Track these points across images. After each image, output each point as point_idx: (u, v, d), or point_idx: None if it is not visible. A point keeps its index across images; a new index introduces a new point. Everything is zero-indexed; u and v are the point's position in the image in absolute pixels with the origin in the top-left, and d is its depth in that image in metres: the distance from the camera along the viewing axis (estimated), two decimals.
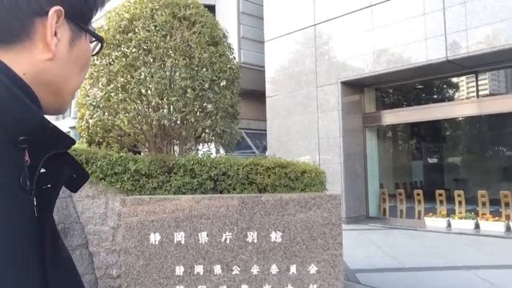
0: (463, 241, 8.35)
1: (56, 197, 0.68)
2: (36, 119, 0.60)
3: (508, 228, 9.04)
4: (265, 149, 14.13)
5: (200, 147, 6.28)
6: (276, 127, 12.63)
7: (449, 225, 9.91)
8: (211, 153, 5.08)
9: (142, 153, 6.52)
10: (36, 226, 0.60)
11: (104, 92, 4.98)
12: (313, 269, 3.93)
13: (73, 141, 0.74)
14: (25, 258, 0.56)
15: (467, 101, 10.82)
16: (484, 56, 8.90)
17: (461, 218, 9.80)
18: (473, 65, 9.69)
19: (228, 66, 5.39)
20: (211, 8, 13.79)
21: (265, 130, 13.21)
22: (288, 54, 12.56)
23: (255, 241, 3.93)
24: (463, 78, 11.20)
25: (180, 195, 4.37)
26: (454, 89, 12.13)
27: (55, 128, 0.67)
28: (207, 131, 5.38)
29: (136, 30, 5.08)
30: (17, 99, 0.59)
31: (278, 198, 4.01)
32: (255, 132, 14.80)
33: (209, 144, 6.06)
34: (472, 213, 9.87)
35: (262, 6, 13.80)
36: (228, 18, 14.48)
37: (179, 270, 3.90)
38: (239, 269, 3.90)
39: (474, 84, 10.81)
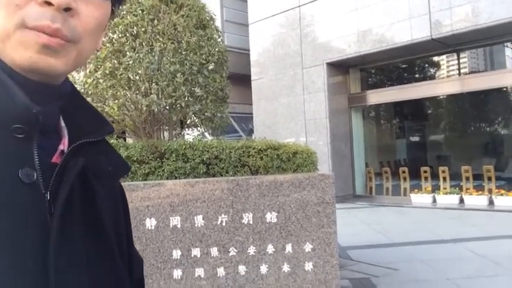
0: (448, 215, 8.58)
1: (82, 192, 0.62)
2: (19, 104, 0.55)
3: (490, 202, 9.32)
4: (251, 132, 14.16)
5: (189, 131, 6.28)
6: (262, 110, 12.65)
7: (434, 200, 10.16)
8: (204, 138, 5.09)
9: (129, 140, 6.49)
10: (45, 222, 0.56)
11: (92, 79, 4.93)
12: (308, 247, 4.02)
13: (110, 129, 0.71)
14: (13, 254, 0.52)
15: (449, 79, 11.00)
16: (467, 33, 9.03)
17: (446, 194, 10.05)
18: (456, 43, 9.82)
19: (217, 49, 5.37)
20: None
21: (251, 113, 13.22)
22: (272, 37, 12.51)
23: (251, 222, 3.99)
24: (445, 57, 11.35)
25: (174, 180, 4.38)
26: (437, 68, 12.29)
27: (55, 114, 0.62)
28: (197, 115, 5.38)
29: (122, 14, 5.00)
30: (1, 85, 0.56)
31: (272, 179, 4.06)
32: (241, 115, 14.78)
33: (198, 128, 6.05)
34: (457, 188, 10.13)
35: None
36: (211, 1, 14.28)
37: (176, 253, 3.94)
38: (236, 250, 3.97)
39: (456, 62, 10.97)
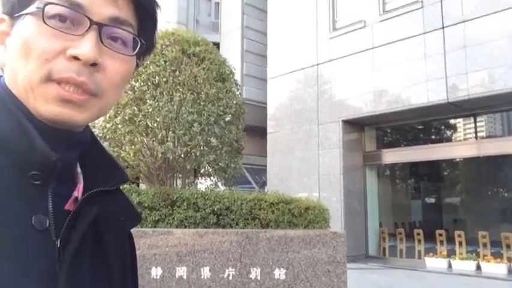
0: (464, 282, 8.23)
1: (95, 240, 0.63)
2: (38, 152, 0.56)
3: (510, 271, 8.94)
4: (264, 184, 14.11)
5: (202, 180, 6.30)
6: (276, 163, 12.67)
7: (450, 265, 9.79)
8: (216, 187, 5.10)
9: (142, 185, 6.52)
10: (53, 269, 0.55)
11: (111, 124, 5.05)
12: None
13: (124, 178, 0.71)
14: None
15: (465, 143, 10.94)
16: (483, 99, 9.08)
17: (462, 259, 9.69)
18: (472, 107, 9.86)
19: (234, 101, 5.51)
20: (216, 46, 14.11)
21: (265, 166, 13.25)
22: (289, 92, 12.77)
23: (258, 278, 3.89)
24: (461, 119, 11.37)
25: (183, 229, 4.35)
26: (453, 130, 12.28)
27: (68, 163, 0.62)
28: (211, 164, 5.42)
29: (146, 64, 5.20)
30: (21, 130, 0.57)
31: (282, 234, 4.00)
32: (255, 167, 14.82)
33: (212, 178, 6.07)
34: (473, 254, 9.78)
35: (266, 45, 14.15)
36: (232, 56, 14.80)
37: None
38: None
39: (473, 125, 10.96)
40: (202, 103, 5.25)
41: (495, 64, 8.74)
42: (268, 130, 13.12)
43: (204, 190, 4.91)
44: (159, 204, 4.82)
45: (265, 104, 13.64)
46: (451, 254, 10.18)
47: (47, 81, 0.57)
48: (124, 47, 0.63)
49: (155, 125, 5.02)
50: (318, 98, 11.96)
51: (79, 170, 0.67)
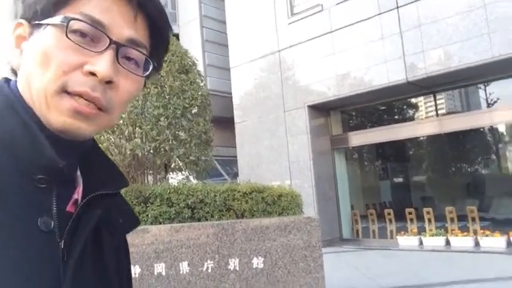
0: (435, 258, 8.51)
1: (95, 242, 0.65)
2: (46, 157, 0.58)
3: (476, 243, 9.30)
4: (236, 175, 14.10)
5: (173, 175, 6.21)
6: (246, 153, 12.66)
7: (421, 242, 10.10)
8: (188, 181, 5.03)
9: None
10: (58, 270, 0.58)
11: None
12: None
13: (124, 183, 0.73)
14: None
15: (427, 120, 11.25)
16: (440, 76, 9.33)
17: (432, 235, 10.01)
18: (431, 85, 10.13)
19: (200, 93, 5.43)
20: (176, 37, 13.89)
21: (235, 156, 13.21)
22: (253, 80, 12.74)
23: (237, 268, 3.88)
24: (422, 98, 11.67)
25: (158, 225, 4.27)
26: (415, 109, 12.61)
27: (74, 168, 0.66)
28: (181, 158, 5.34)
29: None
30: (30, 135, 0.59)
31: (258, 223, 4.00)
32: (225, 158, 14.76)
33: (183, 172, 5.99)
34: (442, 229, 10.11)
35: (226, 34, 14.03)
36: (192, 47, 14.59)
37: None
38: None
39: (433, 103, 11.28)
40: (167, 96, 5.14)
41: (449, 41, 8.99)
42: (236, 120, 13.07)
43: (176, 185, 4.83)
44: (132, 202, 4.71)
45: (231, 93, 13.57)
46: (421, 231, 10.50)
47: (61, 93, 0.59)
48: (136, 67, 0.65)
49: (121, 121, 4.88)
50: (282, 85, 11.98)
51: (78, 173, 0.69)
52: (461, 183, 13.69)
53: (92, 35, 0.60)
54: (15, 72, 0.67)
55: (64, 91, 0.59)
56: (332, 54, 10.92)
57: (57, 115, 0.59)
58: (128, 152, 4.83)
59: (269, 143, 12.07)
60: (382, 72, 9.98)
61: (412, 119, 12.09)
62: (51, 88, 0.59)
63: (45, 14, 0.61)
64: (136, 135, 4.85)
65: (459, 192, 13.20)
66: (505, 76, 9.46)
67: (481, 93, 10.95)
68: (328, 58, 10.99)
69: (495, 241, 8.95)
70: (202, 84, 5.75)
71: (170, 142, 5.11)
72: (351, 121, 12.94)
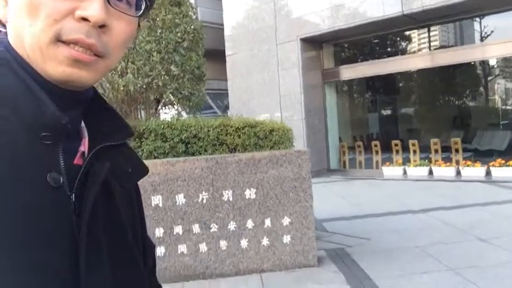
0: (418, 187, 8.95)
1: (104, 194, 0.64)
2: (49, 114, 0.58)
3: (458, 172, 9.74)
4: (226, 108, 14.18)
5: (165, 110, 6.30)
6: (237, 86, 12.66)
7: (405, 172, 10.54)
8: (180, 116, 5.14)
9: None
10: (71, 224, 0.58)
11: None
12: (286, 221, 4.19)
13: (130, 133, 0.73)
14: (43, 254, 0.54)
15: (420, 54, 11.24)
16: (437, 9, 9.20)
17: (416, 166, 10.42)
18: (427, 19, 10.01)
19: (192, 27, 5.37)
20: None
21: (226, 90, 13.21)
22: (246, 11, 12.42)
23: (231, 199, 4.12)
24: (416, 31, 11.57)
25: (155, 159, 4.44)
26: (408, 43, 12.53)
27: (77, 121, 0.64)
28: (174, 94, 5.41)
29: None
30: (30, 92, 0.58)
31: (250, 157, 4.19)
32: (216, 92, 14.75)
33: (175, 107, 6.08)
34: (426, 160, 10.52)
35: None
36: None
37: (159, 232, 4.05)
38: (217, 227, 4.11)
39: (427, 37, 11.21)
40: (159, 30, 5.10)
41: None
42: (227, 52, 12.89)
43: (170, 120, 4.95)
44: None
45: (222, 25, 13.26)
46: (406, 162, 10.90)
47: (56, 42, 0.57)
48: (129, 7, 0.62)
49: None
50: (275, 16, 11.73)
51: (83, 124, 0.68)
52: (448, 115, 13.98)
53: None
54: (3, 25, 0.63)
55: (58, 40, 0.57)
56: None
57: (55, 65, 0.58)
58: (121, 88, 4.87)
59: (261, 76, 12.05)
60: (377, 4, 9.80)
61: (404, 52, 12.06)
62: (44, 39, 0.56)
63: None
64: (129, 71, 4.87)
65: (445, 125, 13.53)
66: (500, 10, 9.36)
67: (475, 26, 10.88)
68: None
69: (475, 171, 9.39)
70: (194, 17, 5.67)
71: (163, 77, 5.14)
72: (343, 54, 12.87)
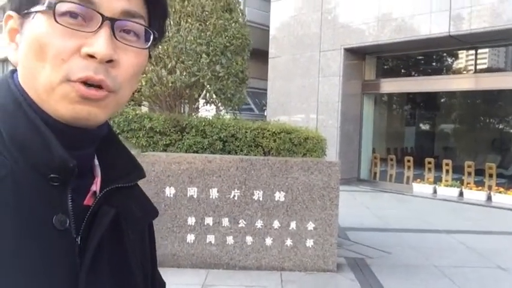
0: (446, 207, 8.94)
1: (111, 236, 0.63)
2: (56, 157, 0.57)
3: (488, 198, 9.64)
4: (263, 107, 14.46)
5: (207, 107, 6.62)
6: (276, 88, 12.91)
7: (435, 191, 10.49)
8: (223, 116, 5.44)
9: (144, 108, 6.84)
10: (75, 266, 0.58)
11: None
12: (311, 225, 4.43)
13: (141, 175, 0.72)
14: None
15: (464, 76, 11.14)
16: (485, 33, 9.14)
17: (446, 186, 10.37)
18: (474, 41, 9.94)
19: (241, 33, 5.66)
20: None
21: (265, 89, 13.48)
22: (293, 17, 12.64)
23: (261, 199, 4.40)
24: (463, 52, 11.46)
25: (194, 153, 4.77)
26: (453, 63, 12.40)
27: (82, 164, 0.62)
28: (217, 94, 5.72)
29: None
30: (39, 134, 0.58)
31: (284, 162, 4.44)
32: (255, 90, 15.05)
33: (218, 105, 6.39)
34: (458, 181, 10.44)
35: None
36: None
37: (191, 220, 4.38)
38: (245, 223, 4.39)
39: (473, 58, 11.09)
40: (208, 33, 5.41)
41: None
42: (270, 55, 13.16)
43: (211, 118, 5.26)
44: (170, 130, 5.20)
45: (267, 26, 13.52)
46: (437, 180, 10.85)
47: (67, 82, 0.57)
48: (137, 39, 0.62)
49: (165, 55, 5.23)
50: (321, 24, 11.89)
51: (96, 162, 0.68)
52: (486, 139, 13.73)
53: (83, 14, 0.57)
54: (15, 68, 0.63)
55: (69, 80, 0.56)
56: None
57: (66, 104, 0.57)
58: (170, 84, 5.22)
59: (301, 81, 12.25)
60: (425, 22, 9.81)
61: (449, 72, 11.95)
62: (55, 79, 0.56)
63: (31, 1, 0.58)
64: (177, 70, 5.21)
65: (482, 148, 13.31)
66: None
67: None
68: (372, 2, 10.78)
69: (507, 198, 9.27)
70: (243, 23, 5.96)
71: (208, 77, 5.46)
72: (385, 67, 12.88)
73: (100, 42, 0.56)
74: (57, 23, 0.56)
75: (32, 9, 0.58)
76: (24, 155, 0.56)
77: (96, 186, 0.64)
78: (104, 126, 0.66)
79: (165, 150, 5.20)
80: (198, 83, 5.51)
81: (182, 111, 6.18)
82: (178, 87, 5.46)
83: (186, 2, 5.31)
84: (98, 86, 0.57)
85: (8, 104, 0.59)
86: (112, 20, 0.58)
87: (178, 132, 5.26)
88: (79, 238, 0.59)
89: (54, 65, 0.56)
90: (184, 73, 5.28)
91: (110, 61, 0.58)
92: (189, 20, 5.30)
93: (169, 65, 5.19)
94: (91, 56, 0.56)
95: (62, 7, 0.56)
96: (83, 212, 0.60)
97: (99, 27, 0.57)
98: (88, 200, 0.63)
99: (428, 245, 5.79)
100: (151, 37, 0.63)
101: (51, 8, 0.56)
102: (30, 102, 0.59)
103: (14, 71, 0.63)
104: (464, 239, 6.18)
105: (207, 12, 5.40)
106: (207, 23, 5.45)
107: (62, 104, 0.57)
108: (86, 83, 0.57)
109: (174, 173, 4.37)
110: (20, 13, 0.60)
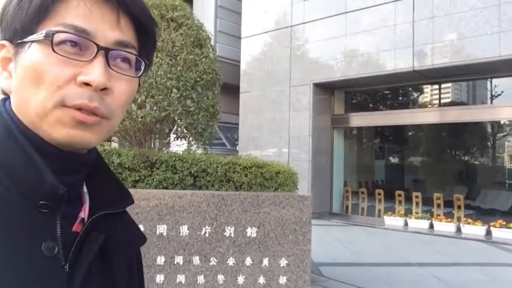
0: (417, 239, 9.00)
1: (99, 264, 0.64)
2: (47, 184, 0.58)
3: (458, 229, 9.78)
4: (235, 142, 14.45)
5: (178, 142, 6.53)
6: (248, 122, 12.97)
7: (406, 224, 10.58)
8: (194, 151, 5.37)
9: (114, 144, 6.70)
10: None
11: None
12: (283, 262, 4.33)
13: (130, 201, 0.73)
14: None
15: (430, 109, 11.51)
16: (447, 68, 9.54)
17: (417, 218, 10.48)
18: (437, 76, 10.34)
19: (211, 68, 5.68)
20: (189, 0, 13.89)
21: (236, 124, 13.53)
22: (263, 52, 12.89)
23: (232, 235, 4.28)
24: (428, 86, 11.89)
25: (164, 190, 4.64)
26: (419, 97, 12.83)
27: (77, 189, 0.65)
28: (188, 129, 5.66)
29: None
30: (30, 161, 0.58)
31: (255, 196, 4.37)
32: (227, 125, 15.08)
33: (189, 139, 6.31)
34: (428, 214, 10.58)
35: (241, 1, 14.04)
36: (205, 11, 14.63)
37: (160, 260, 4.20)
38: (216, 261, 4.25)
39: (437, 93, 11.52)
40: (179, 68, 5.40)
41: (460, 35, 9.15)
42: (241, 89, 13.29)
43: (181, 153, 5.17)
44: (139, 165, 5.06)
45: (238, 61, 13.72)
46: (408, 213, 10.97)
47: (61, 107, 0.58)
48: (129, 67, 0.65)
49: None
50: (290, 60, 12.15)
51: (85, 189, 0.69)
52: (454, 171, 14.08)
53: (79, 44, 0.59)
54: (6, 95, 0.65)
55: (63, 106, 0.58)
56: (344, 35, 11.06)
57: (60, 128, 0.59)
58: (139, 119, 5.14)
59: (272, 115, 12.36)
60: (390, 58, 10.18)
61: (415, 105, 12.34)
62: (48, 104, 0.58)
63: (27, 31, 0.60)
64: (147, 104, 5.14)
65: (450, 180, 13.61)
66: (511, 74, 9.66)
67: (485, 88, 11.16)
68: (339, 38, 11.13)
69: (476, 229, 9.42)
70: (214, 58, 5.99)
71: (179, 112, 5.41)
72: (354, 102, 13.19)
73: (95, 71, 0.59)
74: (55, 52, 0.58)
75: (28, 39, 0.60)
76: (14, 182, 0.57)
77: (84, 213, 0.65)
78: (94, 152, 0.68)
79: (134, 187, 5.04)
80: (168, 117, 5.44)
81: (152, 146, 6.07)
82: (148, 122, 5.37)
83: (156, 37, 5.30)
84: (93, 113, 0.59)
85: None
86: (106, 50, 0.61)
87: (148, 168, 5.13)
88: (67, 265, 0.59)
89: (49, 91, 0.58)
90: (155, 108, 5.21)
91: (104, 89, 0.60)
92: (159, 55, 5.29)
93: (139, 100, 5.12)
94: (86, 84, 0.58)
95: (59, 37, 0.58)
96: (72, 238, 0.61)
97: (94, 56, 0.60)
98: (76, 227, 0.63)
99: (401, 279, 5.76)
100: (143, 66, 0.66)
101: (49, 38, 0.58)
102: (22, 129, 0.60)
103: (6, 99, 0.65)
104: (437, 272, 6.19)
105: (177, 48, 5.41)
106: (178, 58, 5.44)
107: (56, 129, 0.59)
108: (82, 109, 0.58)
109: (143, 210, 4.23)
110: (14, 42, 0.62)
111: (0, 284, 0.51)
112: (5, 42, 0.64)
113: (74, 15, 0.60)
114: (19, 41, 0.61)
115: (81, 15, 0.60)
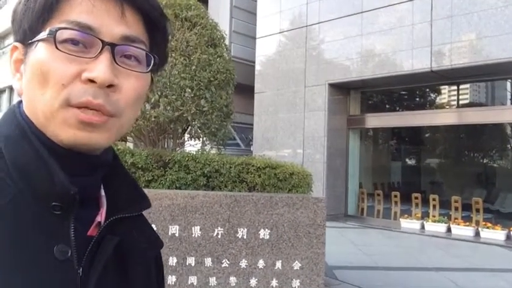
0: (434, 243, 8.81)
1: (115, 268, 0.63)
2: (58, 184, 0.57)
3: (477, 233, 9.56)
4: (249, 142, 14.40)
5: (192, 142, 6.51)
6: (262, 123, 12.91)
7: (422, 227, 10.39)
8: (204, 146, 5.33)
9: (129, 144, 6.71)
10: None
11: None
12: (297, 265, 4.25)
13: (147, 205, 0.71)
14: None
15: (448, 110, 11.29)
16: (466, 69, 9.33)
17: (434, 222, 10.28)
18: (455, 76, 10.13)
19: (226, 67, 5.63)
20: (205, 1, 13.90)
21: (251, 124, 13.48)
22: (278, 52, 12.82)
23: (245, 237, 4.22)
24: (445, 87, 11.66)
25: (176, 190, 4.61)
26: (436, 98, 12.60)
27: (88, 192, 0.63)
28: (201, 129, 5.62)
29: None
30: (42, 161, 0.58)
31: (269, 198, 4.30)
32: (241, 125, 15.04)
33: (203, 139, 6.28)
34: (445, 217, 10.36)
35: (256, 1, 13.99)
36: (220, 11, 14.62)
37: (172, 261, 4.16)
38: (228, 262, 4.20)
39: (455, 93, 11.28)
40: (193, 68, 5.37)
41: (479, 35, 8.94)
42: (256, 90, 13.24)
43: (194, 153, 5.14)
44: (152, 165, 5.04)
45: (253, 62, 13.67)
46: (424, 216, 10.76)
47: (66, 107, 0.58)
48: (138, 63, 0.63)
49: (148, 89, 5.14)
50: (306, 60, 12.05)
51: (102, 193, 0.67)
52: (472, 173, 13.79)
53: (83, 40, 0.58)
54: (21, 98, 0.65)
55: (68, 105, 0.57)
56: (360, 35, 10.92)
57: (66, 129, 0.58)
58: (153, 119, 5.12)
59: (286, 116, 12.28)
60: (407, 59, 10.00)
61: (432, 106, 12.11)
62: (55, 103, 0.57)
63: (34, 31, 0.60)
64: (161, 104, 5.12)
65: (468, 182, 13.34)
66: None
67: (505, 89, 10.90)
68: (355, 38, 10.99)
69: (495, 234, 9.20)
70: (228, 58, 5.95)
71: (192, 112, 5.38)
72: (369, 102, 13.02)
73: (100, 67, 0.57)
74: (58, 49, 0.57)
75: (35, 38, 0.59)
76: (26, 182, 0.56)
77: (101, 217, 0.64)
78: (108, 153, 0.66)
79: (147, 187, 5.02)
80: (182, 117, 5.41)
81: (166, 146, 6.06)
82: (162, 121, 5.35)
83: (170, 37, 5.28)
84: (98, 111, 0.58)
85: (12, 132, 0.60)
86: (112, 45, 0.59)
87: (161, 168, 5.11)
88: (81, 270, 0.58)
89: (54, 90, 0.57)
90: (168, 107, 5.19)
91: (110, 86, 0.58)
92: (173, 55, 5.26)
93: (153, 100, 5.10)
94: (91, 81, 0.57)
95: (62, 34, 0.58)
96: (86, 242, 0.60)
97: (100, 52, 0.58)
98: (92, 231, 0.62)
99: (418, 284, 5.63)
100: (153, 61, 0.64)
101: (52, 36, 0.57)
102: (34, 130, 0.60)
103: (21, 101, 0.64)
104: (455, 277, 6.04)
105: (191, 47, 5.38)
106: (191, 58, 5.41)
107: (62, 130, 0.58)
108: (88, 107, 0.57)
109: (156, 210, 4.19)
110: (25, 43, 0.62)
111: (11, 287, 0.51)
112: (17, 44, 0.64)
113: (77, 11, 0.59)
114: (28, 42, 0.61)
115: (84, 12, 0.59)
